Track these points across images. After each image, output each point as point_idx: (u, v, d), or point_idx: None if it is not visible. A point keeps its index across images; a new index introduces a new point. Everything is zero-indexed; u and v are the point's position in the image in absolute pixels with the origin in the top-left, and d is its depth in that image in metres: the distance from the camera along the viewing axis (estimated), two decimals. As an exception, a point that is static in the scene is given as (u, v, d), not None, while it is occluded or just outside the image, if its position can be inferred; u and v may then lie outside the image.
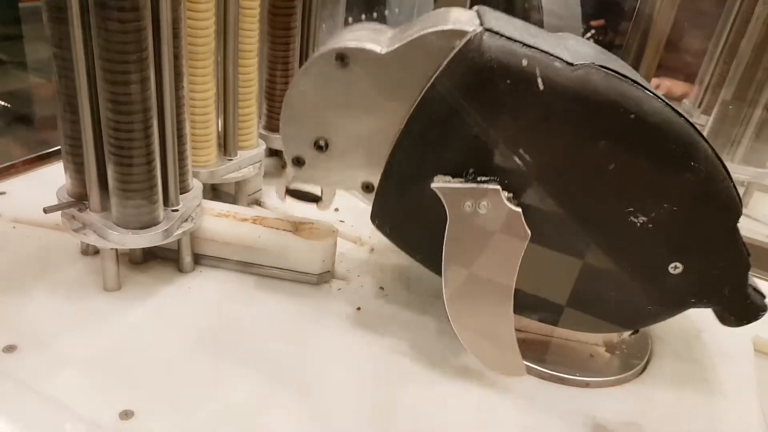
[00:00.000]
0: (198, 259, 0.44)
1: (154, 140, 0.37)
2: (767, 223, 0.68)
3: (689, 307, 0.39)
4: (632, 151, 0.33)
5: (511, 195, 0.34)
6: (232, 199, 0.51)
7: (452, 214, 0.34)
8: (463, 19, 0.33)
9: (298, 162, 0.38)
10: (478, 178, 0.34)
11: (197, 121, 0.45)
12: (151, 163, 0.37)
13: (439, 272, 0.37)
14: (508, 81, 0.32)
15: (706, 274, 0.36)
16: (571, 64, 0.31)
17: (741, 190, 0.69)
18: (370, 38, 0.35)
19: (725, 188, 0.34)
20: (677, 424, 0.37)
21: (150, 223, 0.39)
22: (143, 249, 0.43)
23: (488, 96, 0.33)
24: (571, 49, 0.33)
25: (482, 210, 0.34)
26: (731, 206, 0.35)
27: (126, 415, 0.32)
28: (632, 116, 0.32)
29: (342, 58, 0.34)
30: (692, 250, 0.36)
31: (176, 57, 0.38)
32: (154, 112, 0.37)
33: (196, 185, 0.43)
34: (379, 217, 0.39)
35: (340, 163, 0.38)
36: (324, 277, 0.44)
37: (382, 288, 0.45)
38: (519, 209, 0.34)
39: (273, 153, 0.60)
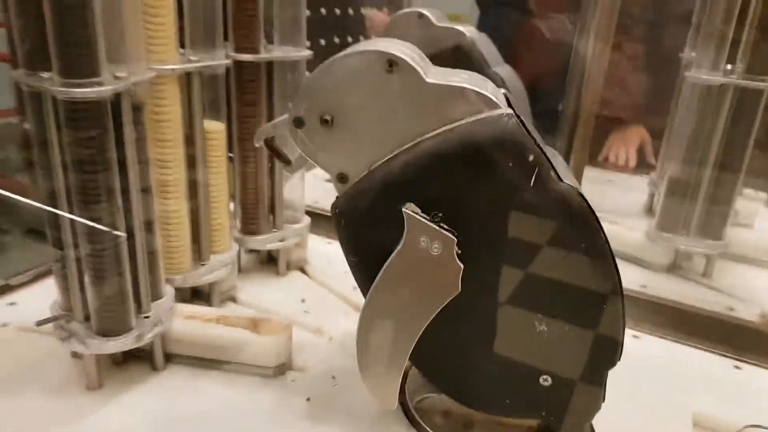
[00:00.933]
0: (170, 357, 0.50)
1: (124, 262, 0.44)
2: (730, 294, 0.71)
3: (534, 418, 0.45)
4: (567, 274, 0.39)
5: (459, 252, 0.38)
6: (207, 298, 0.58)
7: (408, 241, 0.38)
8: (497, 96, 0.38)
9: (299, 123, 0.40)
10: (441, 224, 0.38)
11: (171, 236, 0.53)
12: (123, 280, 0.45)
13: (362, 281, 0.41)
14: (510, 163, 0.37)
15: (565, 399, 0.42)
16: (561, 179, 0.37)
17: (702, 262, 0.73)
18: (415, 60, 0.38)
19: (617, 342, 0.40)
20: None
21: (124, 330, 0.46)
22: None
23: (485, 164, 0.37)
24: (561, 166, 0.39)
25: (433, 251, 0.38)
26: (613, 357, 0.40)
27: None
28: (583, 245, 0.38)
29: (392, 64, 0.37)
30: (566, 373, 0.41)
31: (144, 190, 0.46)
32: (124, 239, 0.44)
33: (168, 292, 0.50)
34: (341, 207, 0.41)
35: (333, 144, 0.40)
36: (281, 369, 0.50)
37: (333, 377, 0.50)
38: (461, 266, 0.38)
39: (251, 250, 0.67)
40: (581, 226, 0.38)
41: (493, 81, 0.51)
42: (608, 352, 0.40)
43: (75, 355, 0.50)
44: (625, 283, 0.39)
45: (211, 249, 0.57)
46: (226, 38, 0.55)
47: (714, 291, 0.72)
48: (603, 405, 0.44)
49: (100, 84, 0.39)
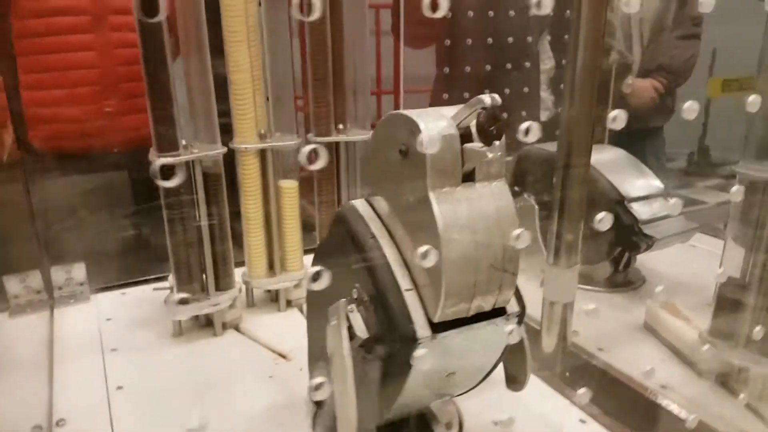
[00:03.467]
0: (225, 326, 0.77)
1: (193, 267, 0.73)
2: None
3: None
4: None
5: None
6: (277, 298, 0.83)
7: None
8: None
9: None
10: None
11: (252, 254, 0.80)
12: (192, 276, 0.73)
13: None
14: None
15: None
16: None
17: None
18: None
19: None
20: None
21: (189, 303, 0.74)
22: (205, 316, 0.78)
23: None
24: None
25: None
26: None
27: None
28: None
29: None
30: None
31: (220, 223, 0.74)
32: (195, 252, 0.73)
33: (235, 287, 0.78)
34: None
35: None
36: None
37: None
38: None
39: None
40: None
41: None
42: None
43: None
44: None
45: (286, 267, 0.82)
46: (308, 126, 0.80)
47: (759, 420, 0.62)
48: None
49: (176, 155, 0.68)
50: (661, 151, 1.67)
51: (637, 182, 0.92)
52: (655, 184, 0.92)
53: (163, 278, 0.86)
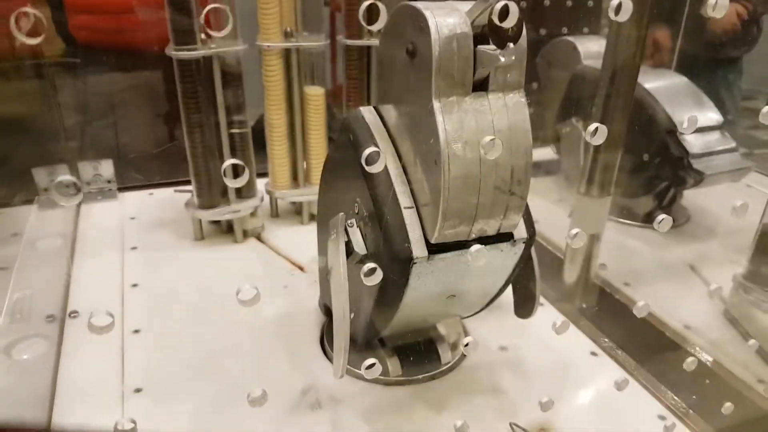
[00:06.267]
0: (246, 234, 0.77)
1: (211, 168, 0.72)
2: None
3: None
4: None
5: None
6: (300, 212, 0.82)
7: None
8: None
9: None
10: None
11: (275, 162, 0.78)
12: (212, 178, 0.72)
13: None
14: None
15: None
16: None
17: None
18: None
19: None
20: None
21: (211, 208, 0.74)
22: (227, 222, 0.78)
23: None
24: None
25: None
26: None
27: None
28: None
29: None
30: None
31: (240, 124, 0.72)
32: (216, 154, 0.71)
33: (257, 196, 0.76)
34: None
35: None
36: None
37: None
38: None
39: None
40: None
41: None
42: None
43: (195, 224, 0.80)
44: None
45: (310, 180, 0.80)
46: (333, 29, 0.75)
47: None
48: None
49: (192, 50, 0.65)
50: (736, 85, 1.53)
51: (694, 113, 0.85)
52: (714, 116, 0.84)
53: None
